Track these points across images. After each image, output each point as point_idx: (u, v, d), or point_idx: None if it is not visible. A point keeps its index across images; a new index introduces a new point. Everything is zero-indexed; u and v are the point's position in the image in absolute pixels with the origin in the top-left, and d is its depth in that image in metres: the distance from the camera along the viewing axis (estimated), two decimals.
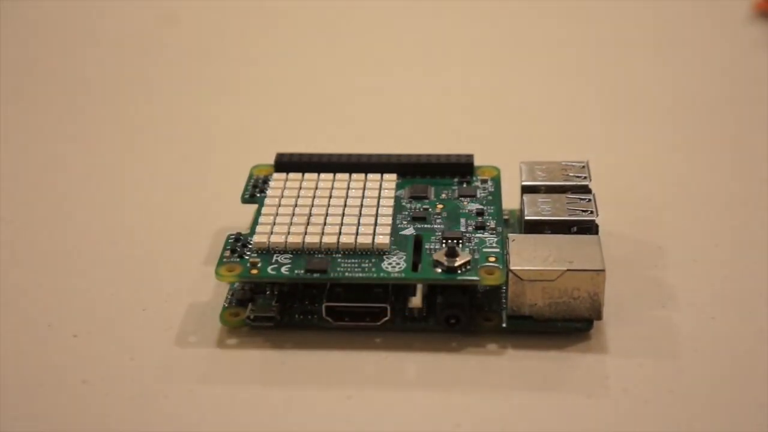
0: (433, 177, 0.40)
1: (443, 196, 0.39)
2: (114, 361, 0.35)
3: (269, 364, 0.35)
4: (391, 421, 0.33)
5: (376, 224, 0.37)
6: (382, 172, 0.40)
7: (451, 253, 0.35)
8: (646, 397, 0.33)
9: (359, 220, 0.37)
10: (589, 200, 0.38)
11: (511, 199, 0.40)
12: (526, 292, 0.35)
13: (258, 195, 0.40)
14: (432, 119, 0.50)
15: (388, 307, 0.35)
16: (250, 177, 0.41)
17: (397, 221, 0.38)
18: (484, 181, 0.40)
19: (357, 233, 0.36)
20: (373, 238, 0.36)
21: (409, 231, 0.37)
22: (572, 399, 0.33)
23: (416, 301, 0.35)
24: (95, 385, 0.34)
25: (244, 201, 0.40)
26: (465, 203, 0.39)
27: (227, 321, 0.36)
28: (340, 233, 0.36)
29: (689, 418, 0.32)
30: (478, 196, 0.39)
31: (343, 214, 0.37)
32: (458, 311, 0.35)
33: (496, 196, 0.39)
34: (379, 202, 0.38)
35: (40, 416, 0.33)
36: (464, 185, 0.40)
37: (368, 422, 0.32)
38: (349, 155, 0.41)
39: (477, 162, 0.41)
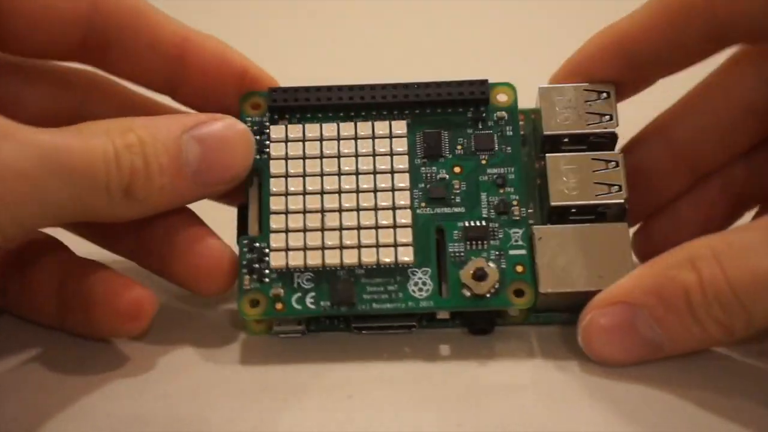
0: (444, 109, 0.37)
1: (458, 149, 0.36)
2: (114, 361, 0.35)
3: (270, 364, 0.35)
4: (392, 420, 0.33)
5: (395, 226, 0.35)
6: (389, 110, 0.37)
7: (479, 277, 0.34)
8: (646, 397, 0.34)
9: (376, 218, 0.35)
10: (617, 166, 0.36)
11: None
12: (555, 301, 0.35)
13: (257, 157, 0.36)
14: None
15: (416, 325, 0.35)
16: (243, 122, 0.36)
17: (415, 203, 0.36)
18: (499, 122, 0.37)
19: (377, 244, 0.35)
20: (396, 254, 0.35)
21: (429, 222, 0.35)
22: (572, 399, 0.34)
23: (443, 312, 0.35)
24: (96, 385, 0.34)
25: None
26: (483, 161, 0.36)
27: (247, 314, 0.35)
28: (359, 246, 0.35)
29: (688, 419, 0.33)
30: (496, 147, 0.36)
31: (358, 208, 0.35)
32: (486, 326, 0.35)
33: (514, 143, 0.36)
34: (393, 179, 0.36)
35: (39, 415, 0.33)
36: (479, 125, 0.37)
37: (368, 422, 0.33)
38: (351, 88, 0.37)
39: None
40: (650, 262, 0.33)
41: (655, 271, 0.32)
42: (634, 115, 0.38)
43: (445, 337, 0.36)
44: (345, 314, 0.35)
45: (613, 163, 0.36)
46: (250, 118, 0.37)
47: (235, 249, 0.36)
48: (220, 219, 0.37)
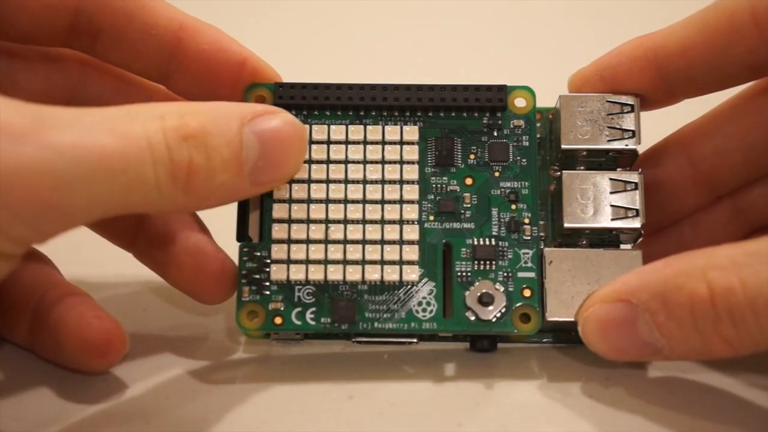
0: (459, 114, 0.35)
1: (471, 158, 0.35)
2: None
3: (270, 364, 0.35)
4: (393, 421, 0.33)
5: (402, 242, 0.34)
6: (400, 112, 0.35)
7: (485, 302, 0.33)
8: (647, 398, 0.34)
9: (382, 232, 0.34)
10: (635, 188, 0.34)
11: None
12: (561, 325, 0.34)
13: None
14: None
15: (417, 340, 0.34)
16: None
17: (423, 216, 0.34)
18: (515, 130, 0.35)
19: (382, 261, 0.34)
20: (401, 272, 0.34)
21: (437, 237, 0.34)
22: (574, 399, 0.34)
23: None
24: (97, 385, 0.34)
25: None
26: (496, 173, 0.35)
27: (244, 326, 0.34)
28: (364, 261, 0.34)
29: (690, 419, 0.33)
30: (511, 159, 0.35)
31: (364, 221, 0.34)
32: (488, 346, 0.34)
33: (530, 155, 0.35)
34: (402, 190, 0.34)
35: (40, 416, 0.33)
36: (494, 133, 0.35)
37: (369, 422, 0.33)
38: (361, 87, 0.35)
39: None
40: (663, 262, 0.31)
41: (665, 274, 0.30)
42: (653, 121, 0.36)
43: (447, 353, 0.35)
44: (345, 332, 0.34)
45: (631, 185, 0.34)
46: None
47: (235, 249, 0.34)
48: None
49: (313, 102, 0.35)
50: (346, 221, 0.34)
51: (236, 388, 0.34)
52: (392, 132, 0.35)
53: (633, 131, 0.34)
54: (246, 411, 0.33)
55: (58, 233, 0.28)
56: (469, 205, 0.35)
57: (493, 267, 0.34)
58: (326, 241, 0.34)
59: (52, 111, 0.28)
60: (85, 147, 0.27)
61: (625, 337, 0.31)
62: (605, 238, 0.35)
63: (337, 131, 0.35)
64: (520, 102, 0.35)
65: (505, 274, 0.34)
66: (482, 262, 0.34)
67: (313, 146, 0.35)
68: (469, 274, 0.34)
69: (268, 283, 0.34)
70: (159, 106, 0.29)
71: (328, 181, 0.34)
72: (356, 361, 0.35)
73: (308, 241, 0.34)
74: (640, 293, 0.30)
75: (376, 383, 0.34)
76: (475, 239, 0.34)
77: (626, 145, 0.34)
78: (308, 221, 0.34)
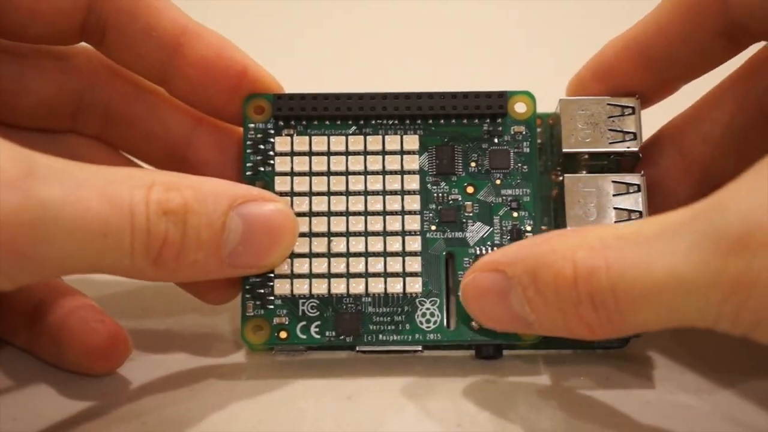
0: (459, 121, 0.35)
1: (472, 165, 0.35)
2: None
3: (270, 364, 0.35)
4: (392, 421, 0.33)
5: (404, 254, 0.34)
6: (400, 121, 0.35)
7: None
8: (647, 398, 0.33)
9: (385, 244, 0.34)
10: (638, 190, 0.34)
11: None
12: None
13: (261, 170, 0.35)
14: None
15: (421, 349, 0.34)
16: (246, 128, 0.35)
17: (425, 226, 0.34)
18: (516, 136, 0.35)
19: (385, 273, 0.34)
20: (404, 284, 0.34)
21: (439, 247, 0.34)
22: (574, 400, 0.34)
23: None
24: (95, 385, 0.34)
25: (247, 178, 0.35)
26: (498, 181, 0.35)
27: (249, 341, 0.34)
28: (367, 274, 0.34)
29: (691, 420, 0.33)
30: (512, 166, 0.35)
31: (366, 233, 0.34)
32: (494, 353, 0.34)
33: (531, 161, 0.35)
34: (403, 200, 0.34)
35: (39, 416, 0.33)
36: (495, 140, 0.35)
37: (368, 422, 0.33)
38: (361, 97, 0.35)
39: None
40: (543, 237, 0.30)
41: (540, 250, 0.29)
42: (654, 122, 0.36)
43: (451, 358, 0.35)
44: (350, 344, 0.34)
45: (634, 187, 0.34)
46: (253, 125, 0.35)
47: None
48: None
49: (313, 113, 0.35)
50: (348, 234, 0.34)
51: (235, 387, 0.34)
52: (392, 142, 0.35)
53: (634, 133, 0.34)
54: (245, 410, 0.33)
55: (26, 283, 0.28)
56: (470, 214, 0.34)
57: None
58: (329, 255, 0.34)
59: (46, 161, 0.27)
60: (69, 204, 0.27)
61: (498, 308, 0.30)
62: None
63: (337, 142, 0.35)
64: (520, 107, 0.35)
65: None
66: None
67: (314, 158, 0.35)
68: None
69: (272, 298, 0.34)
70: (151, 175, 0.29)
71: (329, 194, 0.34)
72: (356, 361, 0.35)
73: (311, 255, 0.34)
74: (515, 266, 0.29)
75: (375, 383, 0.34)
76: (477, 248, 0.34)
77: (628, 148, 0.34)
78: (310, 234, 0.34)
